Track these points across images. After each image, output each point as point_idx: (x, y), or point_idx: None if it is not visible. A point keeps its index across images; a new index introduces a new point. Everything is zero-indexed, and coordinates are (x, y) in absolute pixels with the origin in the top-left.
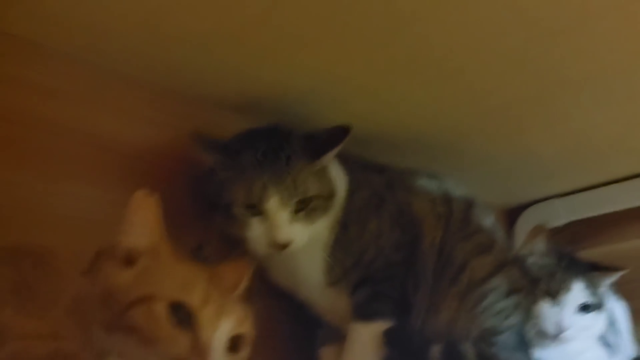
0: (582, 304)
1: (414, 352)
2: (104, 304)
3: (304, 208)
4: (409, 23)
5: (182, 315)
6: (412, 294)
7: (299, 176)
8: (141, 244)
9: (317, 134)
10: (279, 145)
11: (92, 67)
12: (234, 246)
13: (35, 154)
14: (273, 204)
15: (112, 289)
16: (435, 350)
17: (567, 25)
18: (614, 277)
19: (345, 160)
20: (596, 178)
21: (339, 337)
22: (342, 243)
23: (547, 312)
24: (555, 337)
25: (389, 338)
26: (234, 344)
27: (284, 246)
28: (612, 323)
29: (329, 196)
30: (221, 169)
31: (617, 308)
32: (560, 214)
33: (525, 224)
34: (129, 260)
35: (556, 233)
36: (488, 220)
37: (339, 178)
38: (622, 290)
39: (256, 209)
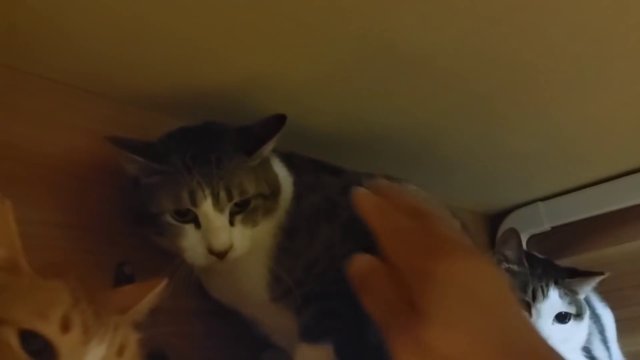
0: (560, 313)
1: None
2: None
3: (243, 209)
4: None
5: (37, 344)
6: None
7: (234, 176)
8: None
9: (250, 127)
10: (210, 144)
11: None
12: (169, 261)
13: None
14: (207, 208)
15: None
16: None
17: (540, 16)
18: (592, 283)
19: (290, 158)
20: (580, 179)
21: None
22: (287, 253)
23: None
24: None
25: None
26: None
27: (223, 253)
28: (600, 332)
29: (272, 194)
30: (146, 174)
31: (605, 316)
32: (544, 218)
33: None
34: None
35: (542, 239)
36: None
37: (282, 178)
38: (611, 298)
39: (188, 216)
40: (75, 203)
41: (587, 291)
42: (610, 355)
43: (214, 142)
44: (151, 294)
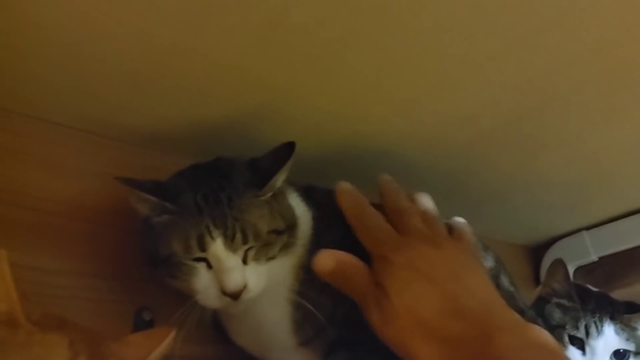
0: (617, 350)
1: None
2: None
3: (256, 245)
4: None
5: None
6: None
7: (248, 215)
8: None
9: (259, 159)
10: (221, 182)
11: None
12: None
13: None
14: (217, 249)
15: None
16: None
17: (567, 34)
18: None
19: (309, 191)
20: (627, 205)
21: None
22: (310, 293)
23: None
24: None
25: None
26: None
27: (237, 294)
28: None
29: (288, 228)
30: (156, 213)
31: None
32: (591, 248)
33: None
34: None
35: (590, 270)
36: (489, 261)
37: (300, 212)
38: None
39: (201, 257)
40: (89, 249)
41: None
42: None
43: (225, 179)
44: (160, 347)
